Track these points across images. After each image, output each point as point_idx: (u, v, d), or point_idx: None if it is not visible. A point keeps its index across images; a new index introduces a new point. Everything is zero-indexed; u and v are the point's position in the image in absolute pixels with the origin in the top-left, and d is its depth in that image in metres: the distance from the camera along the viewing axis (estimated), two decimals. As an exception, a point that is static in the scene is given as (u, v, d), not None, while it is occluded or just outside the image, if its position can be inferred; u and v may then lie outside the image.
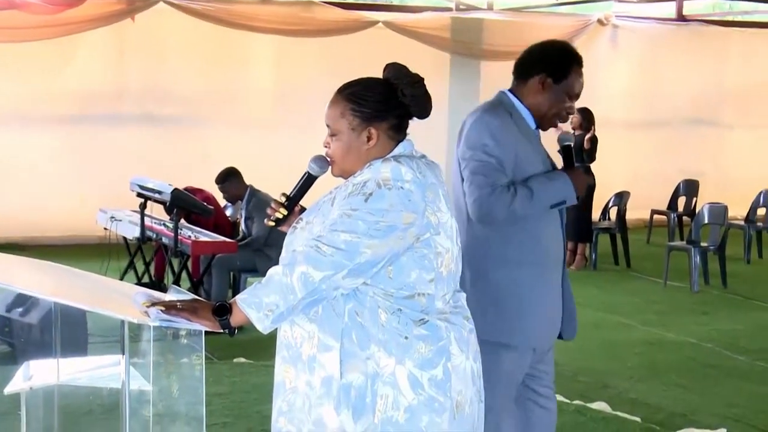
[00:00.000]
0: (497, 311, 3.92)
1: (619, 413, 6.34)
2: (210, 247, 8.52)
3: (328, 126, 3.10)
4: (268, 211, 3.24)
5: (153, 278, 9.41)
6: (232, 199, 9.44)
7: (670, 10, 16.03)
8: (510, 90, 4.07)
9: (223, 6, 12.81)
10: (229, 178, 9.20)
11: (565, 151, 4.12)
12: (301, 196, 3.22)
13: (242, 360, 7.34)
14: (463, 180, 3.96)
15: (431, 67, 13.18)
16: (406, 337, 2.92)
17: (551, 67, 3.99)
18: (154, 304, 2.93)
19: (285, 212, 3.20)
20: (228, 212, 9.92)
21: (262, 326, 2.87)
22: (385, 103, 3.05)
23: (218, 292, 8.61)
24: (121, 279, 8.69)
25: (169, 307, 2.92)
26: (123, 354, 3.26)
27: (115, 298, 3.45)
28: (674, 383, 7.13)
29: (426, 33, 13.71)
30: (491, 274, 3.94)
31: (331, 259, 2.83)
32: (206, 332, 3.01)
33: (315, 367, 2.95)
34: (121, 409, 3.25)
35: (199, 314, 2.91)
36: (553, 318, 4.12)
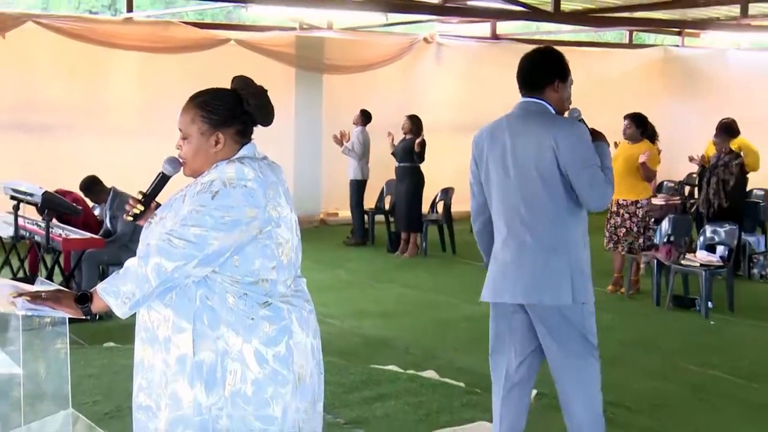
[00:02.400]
0: (584, 278, 4.25)
1: (446, 380, 6.43)
2: (79, 243, 8.38)
3: (180, 130, 3.06)
4: (127, 207, 3.18)
5: (28, 273, 9.17)
6: (98, 202, 9.30)
7: (485, 30, 16.41)
8: (530, 98, 4.32)
9: (88, 26, 12.54)
10: (91, 186, 9.06)
11: (583, 123, 4.38)
12: (156, 194, 3.17)
13: (111, 344, 7.19)
14: (567, 181, 4.16)
15: (278, 79, 13.17)
16: (252, 318, 2.92)
17: (558, 73, 4.32)
18: (20, 295, 2.87)
19: (141, 208, 3.15)
20: (96, 212, 9.73)
21: (121, 312, 2.84)
22: (232, 111, 3.03)
23: (88, 284, 8.39)
24: (-3, 275, 8.42)
25: (35, 297, 2.87)
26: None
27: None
28: (493, 352, 7.26)
29: (273, 50, 13.66)
30: (579, 248, 4.25)
31: (182, 250, 2.81)
32: (76, 320, 2.97)
33: (170, 347, 2.93)
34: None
35: (62, 302, 2.86)
36: None
